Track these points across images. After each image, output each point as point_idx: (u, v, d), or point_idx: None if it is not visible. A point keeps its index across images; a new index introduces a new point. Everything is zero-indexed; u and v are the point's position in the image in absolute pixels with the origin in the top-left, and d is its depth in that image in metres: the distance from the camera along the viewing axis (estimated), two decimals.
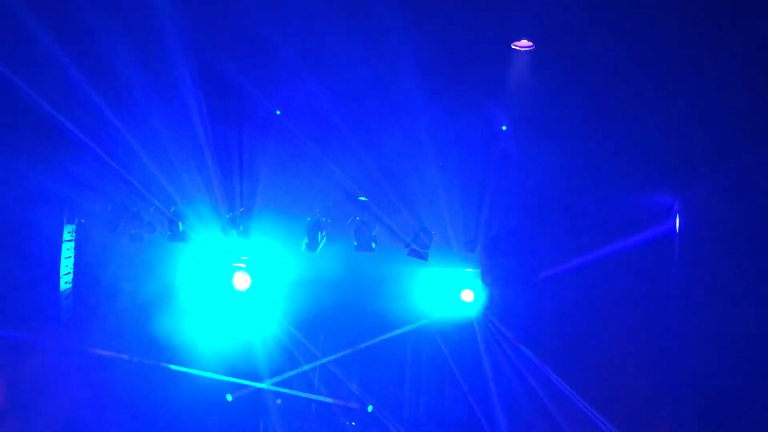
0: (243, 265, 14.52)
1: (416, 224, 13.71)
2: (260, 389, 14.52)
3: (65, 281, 14.03)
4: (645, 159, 12.34)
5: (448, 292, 14.50)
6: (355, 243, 13.94)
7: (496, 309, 14.32)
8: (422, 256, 13.84)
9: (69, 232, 14.11)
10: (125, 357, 14.30)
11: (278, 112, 12.65)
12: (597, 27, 9.71)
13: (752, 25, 9.03)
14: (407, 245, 13.82)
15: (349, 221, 13.99)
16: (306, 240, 14.02)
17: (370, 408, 14.45)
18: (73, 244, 14.21)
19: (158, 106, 12.02)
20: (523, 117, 12.29)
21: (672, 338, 13.31)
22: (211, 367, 14.39)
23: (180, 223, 13.94)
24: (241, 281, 14.45)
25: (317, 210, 14.01)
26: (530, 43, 10.65)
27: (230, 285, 14.53)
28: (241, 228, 13.91)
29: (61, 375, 13.92)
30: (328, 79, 11.60)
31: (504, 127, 12.75)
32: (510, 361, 14.32)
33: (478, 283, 14.35)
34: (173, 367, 14.37)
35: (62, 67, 11.05)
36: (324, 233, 14.09)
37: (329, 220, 14.08)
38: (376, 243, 13.93)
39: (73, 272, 14.21)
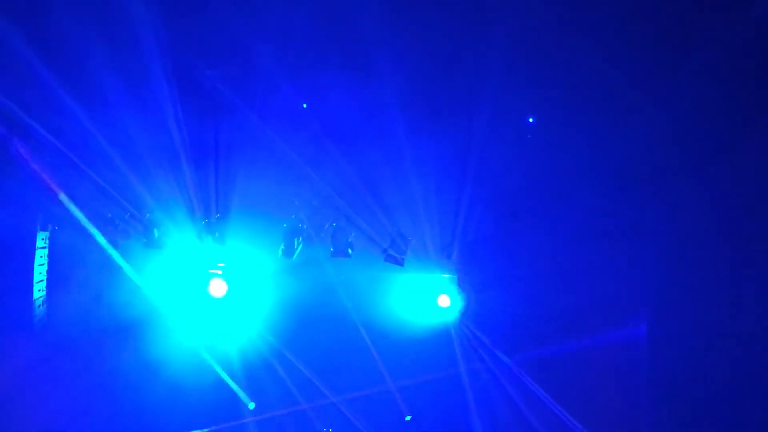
0: (219, 272, 14.40)
1: (393, 230, 13.72)
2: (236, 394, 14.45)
3: (38, 288, 13.86)
4: (621, 164, 12.44)
5: (425, 298, 14.50)
6: (332, 249, 13.92)
7: (473, 315, 14.34)
8: (399, 262, 13.85)
9: (42, 239, 13.94)
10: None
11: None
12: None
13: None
14: (384, 251, 13.82)
15: (325, 227, 13.96)
16: (282, 246, 13.98)
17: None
18: (46, 251, 14.05)
19: (133, 110, 11.98)
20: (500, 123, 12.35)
21: (650, 344, 13.38)
22: (188, 374, 14.25)
23: (155, 230, 13.83)
24: (218, 288, 14.34)
25: (294, 216, 13.96)
26: None
27: (206, 292, 14.39)
28: (217, 234, 13.83)
29: (34, 383, 13.74)
30: (305, 86, 11.62)
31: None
32: (487, 366, 14.35)
33: (455, 288, 14.35)
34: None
35: (35, 71, 10.97)
36: (300, 239, 14.05)
37: (306, 226, 14.04)
38: (352, 249, 13.92)
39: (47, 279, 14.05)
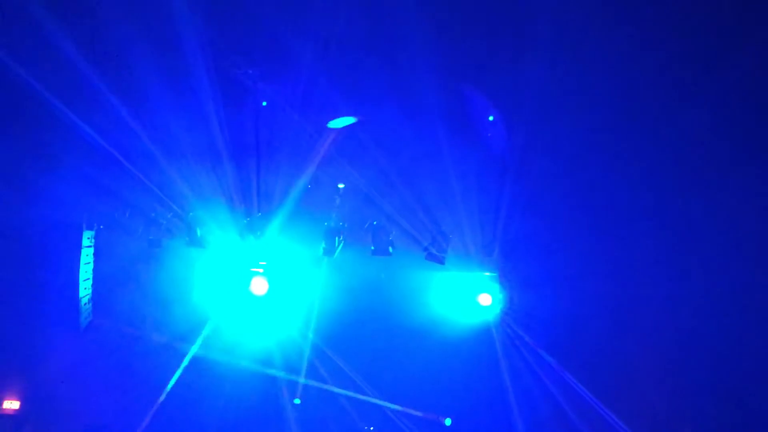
0: (260, 270, 14.49)
1: (434, 228, 13.69)
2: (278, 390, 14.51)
3: (84, 287, 14.07)
4: (667, 162, 12.31)
5: (466, 296, 14.44)
6: (372, 247, 13.94)
7: (514, 313, 14.27)
8: (439, 260, 13.82)
9: (88, 238, 14.15)
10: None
11: (491, 118, 12.65)
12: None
13: None
14: (425, 249, 13.80)
15: (366, 225, 13.98)
16: (323, 245, 14.03)
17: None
18: (92, 249, 14.26)
19: (176, 110, 12.09)
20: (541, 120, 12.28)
21: (694, 343, 13.22)
22: (231, 371, 14.36)
23: (198, 229, 13.97)
24: (259, 286, 14.42)
25: (334, 214, 14.00)
26: None
27: (248, 290, 14.48)
28: (258, 233, 13.92)
29: (80, 381, 13.95)
30: (346, 84, 11.64)
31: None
32: (529, 365, 14.24)
33: (496, 286, 14.29)
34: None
35: (80, 71, 11.13)
36: (341, 238, 14.10)
37: (346, 225, 14.08)
38: (393, 247, 13.92)
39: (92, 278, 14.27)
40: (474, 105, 12.17)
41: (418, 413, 14.43)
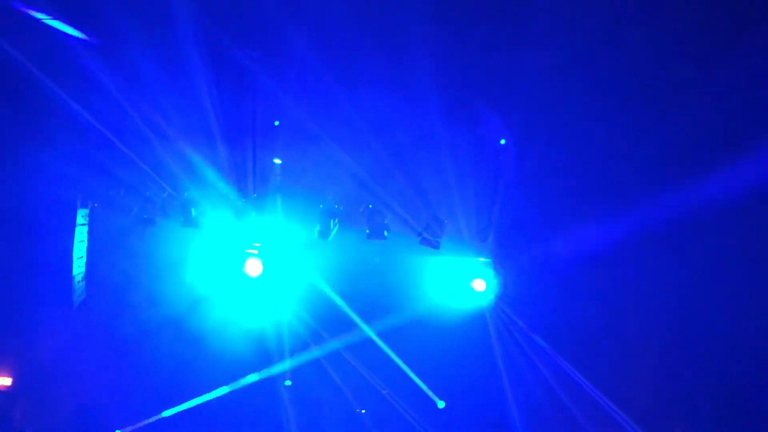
0: (255, 251, 14.46)
1: (428, 213, 13.64)
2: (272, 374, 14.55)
3: (78, 265, 14.07)
4: (662, 150, 12.23)
5: (460, 282, 14.41)
6: (368, 231, 13.90)
7: (509, 298, 14.26)
8: (434, 245, 13.78)
9: (82, 216, 14.13)
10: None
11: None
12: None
13: None
14: (419, 234, 13.76)
15: (361, 209, 13.93)
16: (318, 227, 13.99)
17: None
18: (86, 228, 14.24)
19: (171, 90, 12.01)
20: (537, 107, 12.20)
21: (687, 328, 13.23)
22: (224, 352, 14.37)
23: (192, 209, 13.93)
24: (254, 267, 14.40)
25: (330, 197, 13.96)
26: None
27: (242, 271, 14.47)
28: (253, 214, 13.88)
29: (73, 359, 13.99)
30: (341, 67, 11.54)
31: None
32: (522, 350, 14.26)
33: (490, 272, 14.26)
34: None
35: (73, 50, 11.04)
36: (336, 221, 14.05)
37: (342, 208, 14.03)
38: (388, 231, 13.88)
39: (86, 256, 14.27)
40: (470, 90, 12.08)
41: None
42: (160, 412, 14.35)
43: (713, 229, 12.62)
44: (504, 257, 14.14)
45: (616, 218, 13.00)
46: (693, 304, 13.14)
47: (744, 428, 12.70)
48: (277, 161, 13.62)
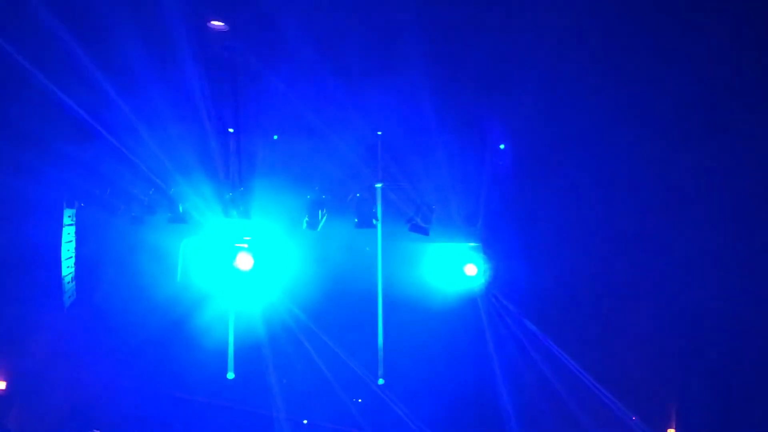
0: (245, 246, 14.42)
1: (418, 199, 13.68)
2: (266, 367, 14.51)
3: (67, 265, 13.95)
4: (650, 132, 12.38)
5: (451, 267, 14.50)
6: (356, 219, 13.91)
7: (499, 283, 14.35)
8: (424, 231, 13.82)
9: (69, 216, 14.01)
10: None
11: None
12: None
13: None
14: (409, 220, 13.80)
15: (349, 198, 13.95)
16: (306, 218, 13.98)
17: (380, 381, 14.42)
18: (74, 228, 14.12)
19: (157, 84, 11.94)
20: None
21: (676, 310, 13.38)
22: (216, 346, 14.31)
23: (180, 205, 13.86)
24: (244, 261, 14.36)
25: (317, 187, 13.95)
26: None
27: (233, 265, 14.41)
28: (241, 208, 13.83)
29: (66, 360, 13.87)
30: (330, 55, 11.55)
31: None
32: (513, 334, 14.36)
33: (481, 257, 14.34)
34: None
35: (62, 45, 10.95)
36: (324, 211, 14.05)
37: (329, 197, 14.04)
38: (377, 219, 13.90)
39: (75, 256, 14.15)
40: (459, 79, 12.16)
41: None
42: (153, 413, 14.26)
43: (698, 208, 12.81)
44: (493, 242, 14.22)
45: (605, 200, 13.16)
46: (680, 285, 13.29)
47: (734, 409, 12.93)
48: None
